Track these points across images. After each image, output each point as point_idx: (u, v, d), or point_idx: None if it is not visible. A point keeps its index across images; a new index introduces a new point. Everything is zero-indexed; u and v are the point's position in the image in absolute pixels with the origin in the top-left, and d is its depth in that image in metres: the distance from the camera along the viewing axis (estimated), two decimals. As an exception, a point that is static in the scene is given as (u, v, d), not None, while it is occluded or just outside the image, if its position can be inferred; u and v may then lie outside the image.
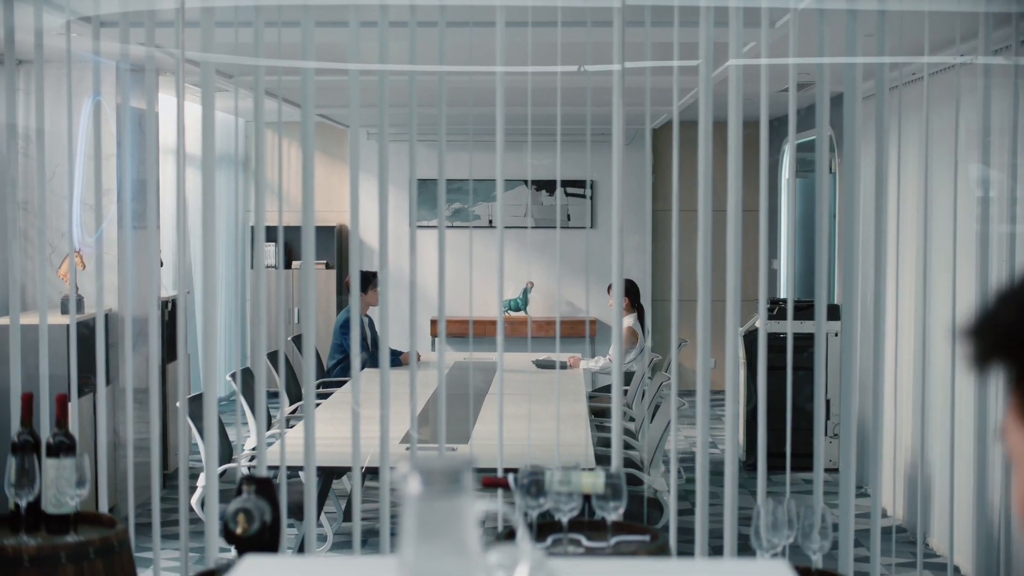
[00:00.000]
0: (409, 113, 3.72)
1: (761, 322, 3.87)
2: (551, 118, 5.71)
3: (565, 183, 10.89)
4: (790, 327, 3.80)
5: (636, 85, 5.62)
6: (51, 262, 6.13)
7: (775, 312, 7.58)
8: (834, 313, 7.14)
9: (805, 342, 6.69)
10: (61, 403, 3.12)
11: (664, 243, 10.59)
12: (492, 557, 1.61)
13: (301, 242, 3.71)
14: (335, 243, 10.75)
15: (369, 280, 7.54)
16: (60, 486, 3.05)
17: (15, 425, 3.49)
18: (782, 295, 9.31)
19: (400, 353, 7.71)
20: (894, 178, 5.28)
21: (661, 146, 10.78)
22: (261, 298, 3.97)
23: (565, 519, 2.73)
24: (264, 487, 3.12)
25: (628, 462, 5.42)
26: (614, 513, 2.75)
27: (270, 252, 9.97)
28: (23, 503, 3.06)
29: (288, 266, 10.44)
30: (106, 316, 4.48)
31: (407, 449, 4.38)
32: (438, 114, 3.81)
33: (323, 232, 10.57)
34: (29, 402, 3.09)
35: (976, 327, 1.10)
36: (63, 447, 3.05)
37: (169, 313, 7.03)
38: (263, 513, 3.05)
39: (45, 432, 3.62)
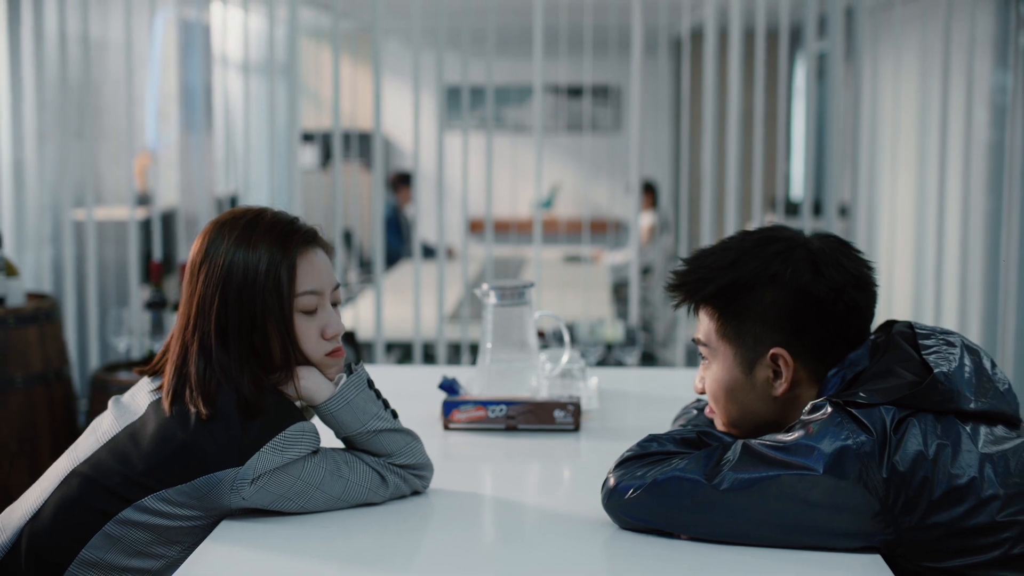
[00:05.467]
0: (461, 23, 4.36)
1: (756, 218, 4.54)
2: (578, 28, 6.33)
3: (593, 90, 11.47)
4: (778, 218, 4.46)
5: None
6: (120, 161, 6.82)
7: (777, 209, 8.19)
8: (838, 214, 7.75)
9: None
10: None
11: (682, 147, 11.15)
12: (542, 355, 2.33)
13: (372, 147, 4.38)
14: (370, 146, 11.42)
15: (406, 179, 8.27)
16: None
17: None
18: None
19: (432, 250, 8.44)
20: (891, 87, 5.87)
21: (685, 55, 11.29)
22: (338, 192, 4.67)
23: (590, 362, 3.43)
24: (349, 337, 3.85)
25: (645, 346, 6.13)
26: (631, 357, 3.45)
27: (308, 154, 10.62)
28: (157, 348, 3.80)
29: (323, 167, 11.12)
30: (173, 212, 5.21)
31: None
32: (485, 24, 4.46)
33: (364, 136, 11.23)
34: (159, 270, 3.82)
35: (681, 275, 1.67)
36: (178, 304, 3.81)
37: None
38: (348, 357, 3.78)
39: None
